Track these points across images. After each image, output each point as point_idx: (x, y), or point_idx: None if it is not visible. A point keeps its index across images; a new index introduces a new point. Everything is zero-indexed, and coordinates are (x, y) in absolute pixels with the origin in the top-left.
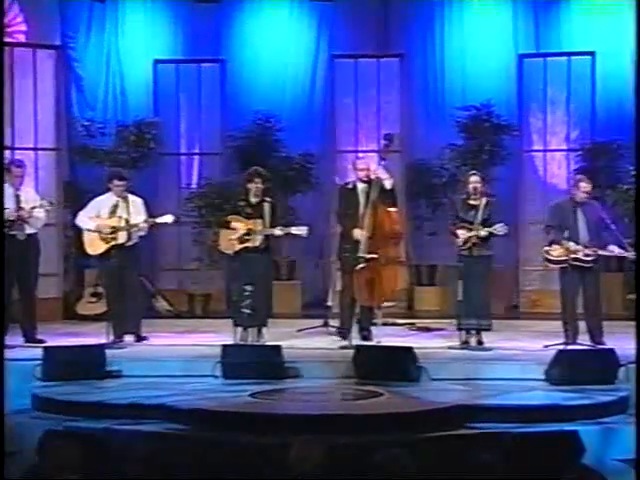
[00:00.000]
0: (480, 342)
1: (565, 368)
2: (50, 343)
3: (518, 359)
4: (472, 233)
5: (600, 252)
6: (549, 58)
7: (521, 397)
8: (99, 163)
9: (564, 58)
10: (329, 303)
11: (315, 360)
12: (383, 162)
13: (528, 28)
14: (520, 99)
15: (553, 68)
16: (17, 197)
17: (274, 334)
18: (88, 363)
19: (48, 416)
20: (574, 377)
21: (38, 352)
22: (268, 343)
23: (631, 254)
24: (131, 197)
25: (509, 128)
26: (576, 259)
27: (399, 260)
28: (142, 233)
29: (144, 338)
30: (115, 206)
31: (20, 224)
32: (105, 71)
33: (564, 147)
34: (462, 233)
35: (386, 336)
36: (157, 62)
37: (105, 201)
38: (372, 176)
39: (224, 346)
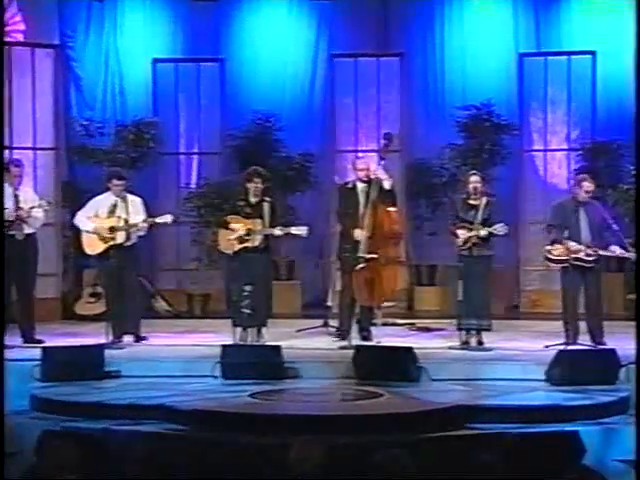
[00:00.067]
0: (480, 342)
1: (566, 368)
2: (49, 343)
3: (518, 359)
4: (472, 233)
5: (601, 252)
6: (549, 57)
7: (521, 397)
8: (98, 163)
9: (564, 57)
10: (329, 303)
11: (315, 360)
12: (383, 162)
13: (528, 27)
14: (520, 98)
15: (553, 67)
16: (16, 197)
17: (274, 334)
18: (87, 363)
19: (47, 417)
20: (575, 377)
21: (37, 352)
22: (268, 343)
23: (632, 255)
24: (130, 197)
25: (509, 128)
26: (577, 259)
27: (399, 260)
28: (141, 233)
29: (143, 338)
30: (114, 206)
31: (19, 224)
32: (104, 70)
33: (564, 147)
34: (462, 233)
35: (386, 336)
36: (156, 61)
37: (104, 201)
38: (372, 176)
39: (223, 346)
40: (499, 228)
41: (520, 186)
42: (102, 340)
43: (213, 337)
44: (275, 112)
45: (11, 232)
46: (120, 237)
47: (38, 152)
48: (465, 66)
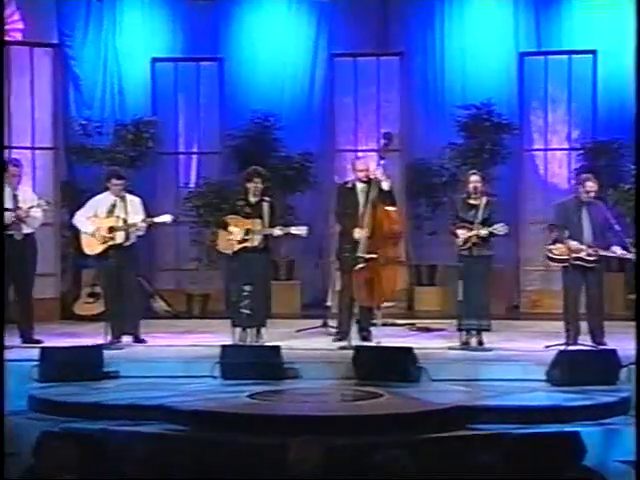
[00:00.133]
0: (480, 342)
1: (566, 369)
2: (47, 344)
3: (518, 360)
4: (472, 233)
5: (602, 252)
6: (550, 56)
7: (522, 398)
8: (97, 162)
9: (565, 56)
10: (328, 303)
11: (314, 361)
12: (382, 161)
13: (529, 26)
14: (521, 98)
15: (554, 67)
16: (15, 197)
17: (273, 334)
18: (86, 364)
19: (45, 417)
20: (575, 378)
21: (35, 353)
22: (267, 344)
23: (633, 255)
24: (129, 196)
25: (510, 127)
26: (578, 258)
27: (398, 260)
28: (140, 233)
29: (142, 341)
30: (113, 205)
31: (17, 224)
32: (103, 70)
33: (565, 146)
34: (462, 233)
35: (386, 336)
36: (155, 60)
37: (103, 200)
38: (371, 176)
39: (223, 347)
40: (499, 228)
41: (520, 186)
42: (101, 340)
43: (212, 337)
44: (274, 111)
45: (10, 232)
46: (119, 237)
47: (37, 152)
48: (465, 65)
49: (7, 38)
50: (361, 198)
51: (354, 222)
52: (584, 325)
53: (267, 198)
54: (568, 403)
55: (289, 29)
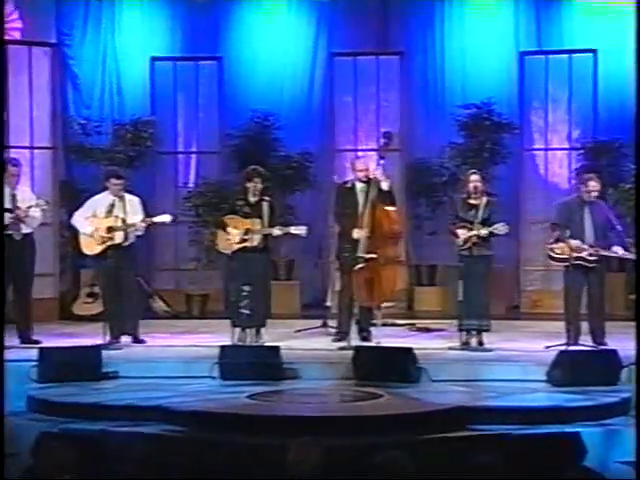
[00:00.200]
0: (481, 343)
1: (567, 369)
2: (46, 344)
3: (519, 360)
4: (472, 232)
5: (603, 253)
6: (550, 56)
7: (522, 398)
8: (95, 162)
9: (565, 56)
10: (328, 303)
11: (314, 361)
12: (382, 161)
13: (529, 25)
14: (521, 97)
15: (554, 66)
16: (13, 196)
17: (272, 335)
18: (84, 364)
19: (44, 418)
20: (576, 378)
21: (34, 353)
22: (266, 344)
23: (634, 255)
24: (128, 196)
25: (510, 126)
26: (579, 258)
27: (398, 260)
28: (139, 233)
29: (142, 341)
30: (112, 205)
31: (16, 224)
32: (101, 69)
33: (565, 146)
34: (462, 232)
35: (386, 337)
36: (154, 60)
37: (101, 200)
38: (371, 176)
39: (222, 347)
40: (500, 227)
41: (521, 185)
42: (100, 341)
43: (211, 338)
44: (274, 111)
45: (8, 232)
46: (118, 237)
47: (35, 151)
48: (465, 64)
49: (5, 37)
50: (360, 198)
51: (353, 222)
52: (585, 325)
53: (266, 198)
54: (569, 404)
55: (289, 28)
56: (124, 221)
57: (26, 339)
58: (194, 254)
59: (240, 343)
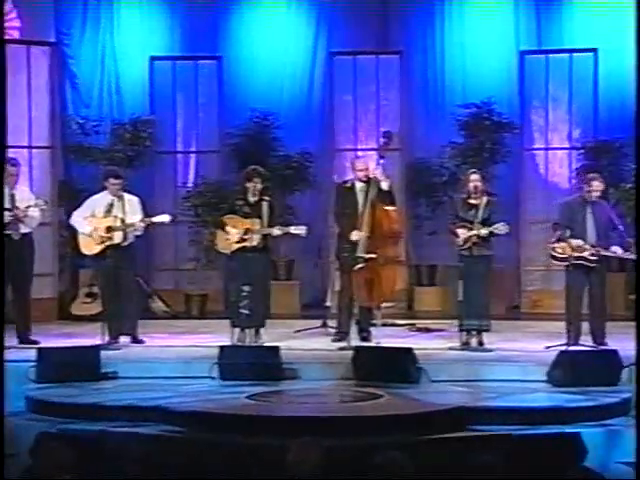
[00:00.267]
0: (481, 343)
1: (567, 369)
2: (44, 344)
3: (519, 360)
4: (472, 232)
5: (603, 252)
6: (551, 55)
7: (523, 399)
8: (94, 162)
9: (566, 55)
10: (328, 303)
11: (313, 361)
12: (382, 160)
13: (529, 24)
14: (521, 97)
15: (555, 65)
16: (12, 196)
17: (272, 335)
18: (83, 364)
19: (42, 418)
20: (576, 379)
21: (32, 353)
22: (266, 344)
23: (634, 256)
24: (127, 196)
25: (510, 126)
26: (580, 258)
27: (398, 260)
28: (138, 233)
29: (141, 341)
30: (110, 205)
31: (15, 223)
32: (100, 68)
33: (566, 145)
34: (462, 232)
35: (386, 337)
36: (153, 59)
37: (100, 200)
38: (370, 175)
39: (221, 347)
40: (500, 227)
41: (521, 185)
42: (98, 341)
43: (211, 338)
44: (273, 110)
45: (7, 232)
46: (117, 237)
47: (34, 151)
48: (465, 64)
49: (4, 36)
50: (360, 198)
51: (353, 222)
52: (585, 325)
53: (266, 198)
54: (569, 404)
55: (288, 27)
56: (123, 221)
57: (25, 339)
58: (193, 254)
59: (239, 343)
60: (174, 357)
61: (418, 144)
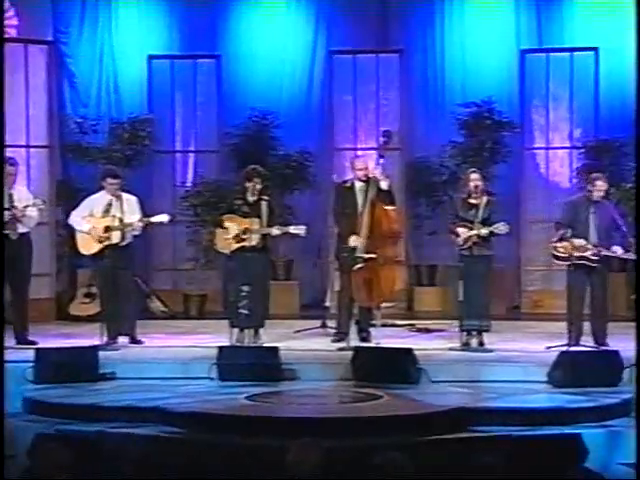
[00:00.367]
0: (481, 343)
1: (568, 370)
2: (42, 345)
3: (520, 361)
4: (473, 232)
5: (604, 252)
6: (551, 54)
7: (523, 399)
8: (92, 161)
9: (567, 54)
10: (327, 304)
11: (313, 362)
12: (382, 160)
13: (530, 23)
14: (522, 96)
15: (555, 64)
16: (10, 196)
17: (271, 335)
18: (81, 365)
19: (40, 419)
20: (577, 379)
21: (30, 354)
22: (265, 344)
23: (634, 256)
24: (125, 196)
25: (510, 125)
26: (582, 257)
27: (397, 260)
28: (136, 232)
29: (139, 342)
30: (109, 205)
31: (13, 223)
32: (98, 67)
33: (567, 145)
34: (463, 231)
35: (385, 337)
36: (151, 58)
37: (99, 200)
38: (370, 175)
39: (220, 348)
40: (500, 227)
41: (521, 185)
42: (97, 341)
43: (210, 338)
44: (272, 109)
45: (5, 231)
46: (115, 237)
47: (31, 150)
48: (466, 63)
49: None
50: (360, 197)
51: (353, 222)
52: (586, 326)
53: (265, 197)
54: (570, 405)
55: (287, 26)
56: (121, 221)
57: (23, 340)
58: (192, 254)
59: (238, 344)
60: (173, 358)
61: (418, 143)
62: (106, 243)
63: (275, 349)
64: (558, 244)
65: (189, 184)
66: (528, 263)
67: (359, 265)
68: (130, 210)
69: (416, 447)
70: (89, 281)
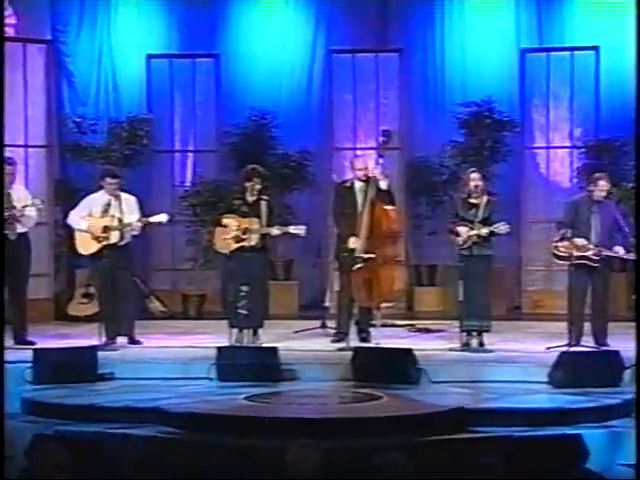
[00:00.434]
0: (481, 344)
1: (568, 370)
2: (41, 345)
3: (520, 361)
4: (473, 232)
5: (605, 253)
6: (552, 53)
7: (524, 400)
8: (91, 161)
9: (567, 53)
10: (327, 304)
11: (312, 362)
12: (381, 159)
13: (530, 22)
14: (522, 95)
15: (556, 63)
16: (8, 196)
17: (270, 335)
18: (80, 365)
19: (39, 420)
20: (578, 380)
21: (28, 354)
22: (264, 345)
23: (635, 256)
24: (124, 195)
25: (511, 124)
26: (583, 257)
27: (397, 260)
28: (135, 232)
29: (138, 342)
30: (107, 205)
31: (11, 223)
32: (97, 66)
33: (567, 144)
34: (463, 230)
35: (385, 337)
36: (150, 57)
37: (97, 200)
38: (370, 174)
39: (219, 348)
40: (501, 227)
41: (522, 184)
42: (95, 342)
43: (209, 338)
44: (272, 109)
45: (4, 231)
46: (114, 237)
47: (30, 150)
48: (466, 62)
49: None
50: (359, 197)
51: (352, 222)
52: (587, 326)
53: (265, 197)
54: (571, 405)
55: (287, 25)
56: (120, 221)
57: (21, 340)
58: (191, 254)
59: (238, 344)
60: (171, 358)
61: (418, 143)
62: (105, 243)
63: (274, 349)
64: (559, 243)
65: (188, 184)
66: (528, 263)
67: (359, 265)
68: (129, 210)
69: (416, 448)
70: (87, 281)
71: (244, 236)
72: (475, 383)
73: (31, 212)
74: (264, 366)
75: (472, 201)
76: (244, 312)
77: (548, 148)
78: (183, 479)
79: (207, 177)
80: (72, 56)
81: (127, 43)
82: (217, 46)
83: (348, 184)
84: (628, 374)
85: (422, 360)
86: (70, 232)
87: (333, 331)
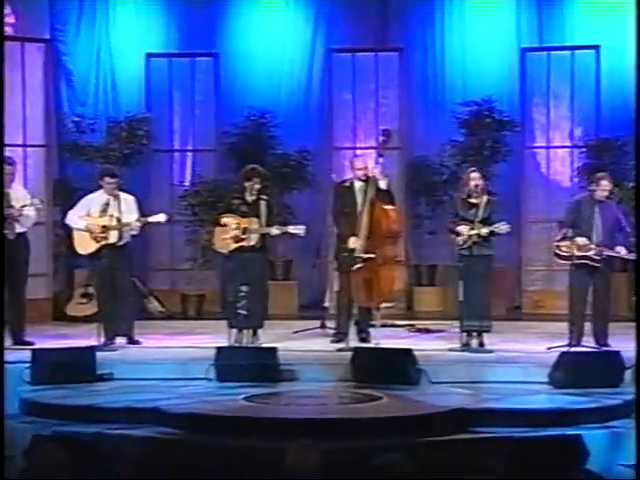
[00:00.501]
0: (481, 344)
1: (569, 371)
2: (39, 345)
3: (520, 361)
4: (473, 232)
5: (606, 253)
6: (552, 52)
7: (524, 400)
8: (90, 160)
9: (568, 52)
10: (326, 304)
11: (312, 362)
12: (381, 159)
13: (531, 21)
14: (522, 94)
15: (556, 62)
16: (7, 195)
17: (270, 336)
18: (78, 366)
19: (37, 420)
20: (578, 380)
21: (27, 354)
22: (263, 345)
23: (635, 256)
24: (123, 195)
25: (511, 124)
26: (584, 257)
27: (397, 260)
28: (134, 232)
29: (137, 342)
30: (106, 204)
31: (10, 223)
32: (96, 65)
33: (568, 144)
34: (464, 230)
35: (385, 338)
36: (149, 56)
37: (96, 199)
38: (369, 174)
39: (218, 348)
40: (501, 227)
41: (522, 184)
42: (94, 342)
43: (208, 339)
44: (271, 108)
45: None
46: (112, 236)
47: (28, 149)
48: (466, 61)
49: None
50: (359, 197)
51: (352, 221)
52: (587, 326)
53: (264, 197)
54: (571, 406)
55: (286, 24)
56: (119, 220)
57: (19, 340)
58: (190, 254)
59: (237, 344)
60: (171, 358)
61: (418, 142)
62: (103, 243)
63: (274, 350)
64: (561, 243)
65: (187, 183)
66: (529, 263)
67: (358, 265)
68: (128, 210)
69: (416, 448)
70: (86, 281)
71: (243, 236)
72: (475, 383)
73: (30, 212)
74: (263, 366)
75: (472, 201)
76: (243, 312)
77: (548, 148)
78: (182, 479)
79: (206, 177)
80: (71, 55)
81: (126, 42)
82: (216, 45)
83: (348, 184)
84: (629, 374)
85: (422, 360)
86: (69, 232)
87: (333, 331)
